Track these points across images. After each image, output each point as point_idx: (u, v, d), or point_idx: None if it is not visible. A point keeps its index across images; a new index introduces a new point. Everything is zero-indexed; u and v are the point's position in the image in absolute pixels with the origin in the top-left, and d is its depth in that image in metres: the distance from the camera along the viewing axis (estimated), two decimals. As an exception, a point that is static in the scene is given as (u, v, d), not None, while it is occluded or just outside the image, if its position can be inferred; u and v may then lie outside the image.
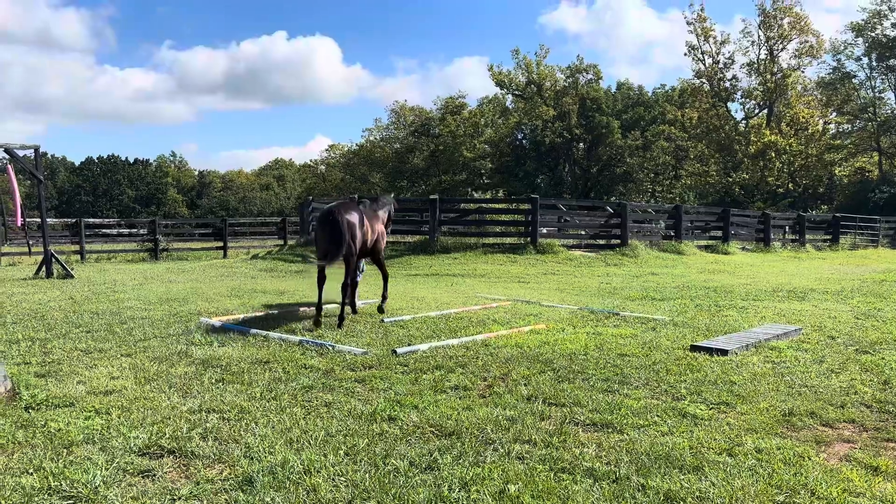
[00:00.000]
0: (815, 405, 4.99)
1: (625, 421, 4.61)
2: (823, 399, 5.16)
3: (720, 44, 55.46)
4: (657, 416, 4.74)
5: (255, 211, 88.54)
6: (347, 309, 8.75)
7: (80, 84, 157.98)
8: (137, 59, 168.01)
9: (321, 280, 8.28)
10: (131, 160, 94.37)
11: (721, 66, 55.61)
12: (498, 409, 4.85)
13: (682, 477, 3.69)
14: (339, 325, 8.05)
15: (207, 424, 4.46)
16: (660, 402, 5.10)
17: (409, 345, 7.01)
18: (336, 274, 8.74)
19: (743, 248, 24.93)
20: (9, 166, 15.14)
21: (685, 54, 56.43)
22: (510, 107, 65.27)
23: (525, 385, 5.50)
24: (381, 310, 9.17)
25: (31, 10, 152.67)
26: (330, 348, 6.79)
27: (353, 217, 8.23)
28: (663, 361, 6.36)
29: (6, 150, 14.85)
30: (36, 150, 15.18)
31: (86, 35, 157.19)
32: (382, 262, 9.51)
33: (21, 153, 15.22)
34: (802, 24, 52.62)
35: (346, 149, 72.12)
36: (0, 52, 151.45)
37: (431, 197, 20.53)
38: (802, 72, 54.72)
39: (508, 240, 20.86)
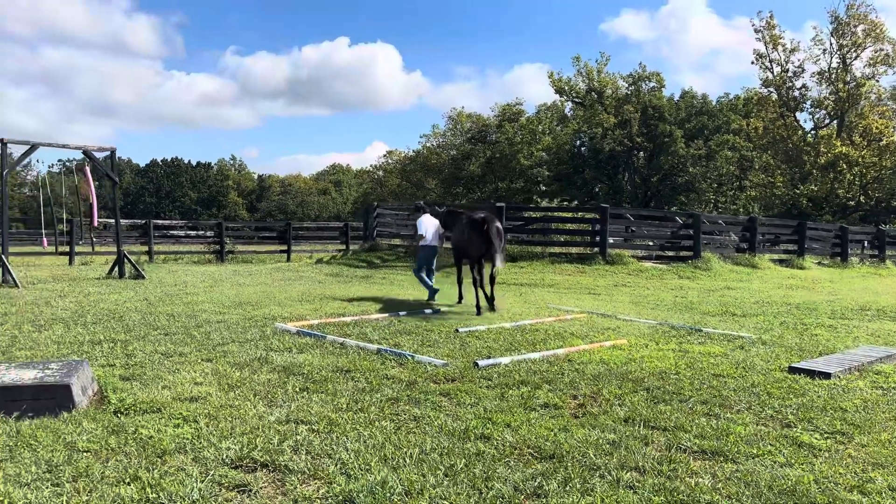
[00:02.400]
0: (943, 439, 4.59)
1: (736, 449, 4.30)
2: (950, 432, 4.75)
3: (790, 52, 53.67)
4: (770, 444, 4.42)
5: (312, 215, 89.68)
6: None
7: (147, 89, 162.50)
8: (203, 64, 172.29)
9: (473, 278, 10.35)
10: (193, 163, 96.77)
11: (790, 74, 53.87)
12: (596, 430, 4.60)
13: (815, 516, 3.39)
14: (478, 313, 10.09)
15: (298, 437, 4.33)
16: (769, 428, 4.77)
17: (489, 357, 6.81)
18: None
19: (819, 263, 23.94)
20: (86, 167, 15.50)
21: (752, 62, 54.76)
22: (569, 114, 64.40)
23: (619, 405, 5.23)
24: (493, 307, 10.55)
25: (105, 16, 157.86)
26: (409, 358, 6.63)
27: (499, 224, 10.28)
28: (762, 384, 6.00)
29: (84, 152, 15.23)
30: (112, 152, 15.51)
31: (156, 41, 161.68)
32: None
33: (99, 155, 15.60)
34: (878, 31, 50.60)
35: (403, 155, 72.39)
36: (74, 56, 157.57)
37: (497, 204, 20.25)
38: (877, 81, 52.61)
39: (574, 249, 20.45)
